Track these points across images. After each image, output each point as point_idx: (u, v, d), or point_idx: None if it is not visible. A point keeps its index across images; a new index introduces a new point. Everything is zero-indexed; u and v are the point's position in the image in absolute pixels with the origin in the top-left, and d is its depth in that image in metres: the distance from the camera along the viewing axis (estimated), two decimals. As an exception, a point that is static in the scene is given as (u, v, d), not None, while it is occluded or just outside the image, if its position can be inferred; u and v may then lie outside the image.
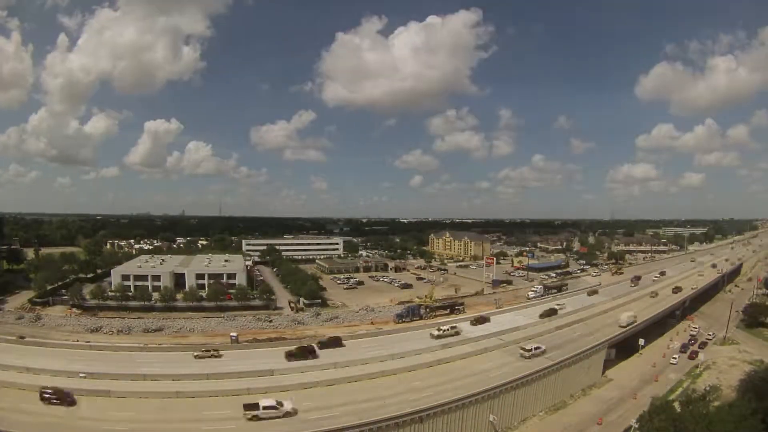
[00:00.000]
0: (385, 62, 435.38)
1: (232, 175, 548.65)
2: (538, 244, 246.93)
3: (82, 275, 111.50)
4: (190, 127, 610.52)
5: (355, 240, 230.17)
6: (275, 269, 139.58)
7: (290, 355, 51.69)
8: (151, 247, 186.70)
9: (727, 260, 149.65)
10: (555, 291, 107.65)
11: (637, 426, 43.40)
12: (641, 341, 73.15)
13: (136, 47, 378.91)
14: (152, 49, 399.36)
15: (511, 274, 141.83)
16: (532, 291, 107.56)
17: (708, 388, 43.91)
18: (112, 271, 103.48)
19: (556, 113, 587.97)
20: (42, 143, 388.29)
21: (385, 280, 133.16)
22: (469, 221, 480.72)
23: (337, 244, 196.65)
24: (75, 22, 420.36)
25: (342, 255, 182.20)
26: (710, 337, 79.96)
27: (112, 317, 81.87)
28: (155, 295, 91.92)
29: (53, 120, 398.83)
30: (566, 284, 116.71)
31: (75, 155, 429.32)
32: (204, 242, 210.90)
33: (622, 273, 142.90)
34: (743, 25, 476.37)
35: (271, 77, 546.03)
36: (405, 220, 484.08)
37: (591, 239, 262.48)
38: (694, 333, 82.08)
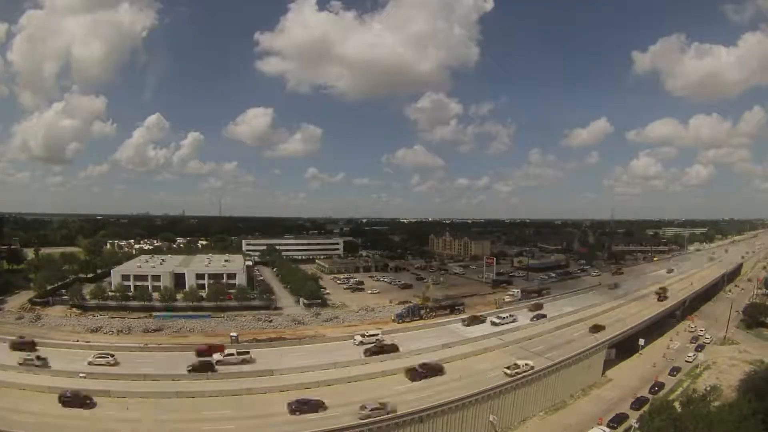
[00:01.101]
0: (374, 46, 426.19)
1: (230, 174, 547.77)
2: (538, 244, 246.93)
3: (82, 275, 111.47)
4: (183, 125, 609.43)
5: (355, 240, 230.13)
6: (275, 269, 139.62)
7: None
8: (151, 247, 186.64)
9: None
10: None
11: (637, 426, 43.48)
12: (641, 341, 73.23)
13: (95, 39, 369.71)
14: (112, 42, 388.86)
15: (510, 274, 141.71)
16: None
17: (708, 388, 43.95)
18: (112, 271, 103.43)
19: (555, 112, 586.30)
20: (34, 142, 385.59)
21: (385, 280, 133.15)
22: (469, 221, 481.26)
23: (338, 244, 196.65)
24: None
25: (342, 255, 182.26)
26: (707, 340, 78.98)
27: (112, 317, 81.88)
28: (155, 295, 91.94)
29: (43, 119, 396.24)
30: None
31: (63, 155, 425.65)
32: (204, 242, 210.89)
33: (622, 273, 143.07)
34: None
35: (264, 69, 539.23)
36: (405, 220, 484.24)
37: (591, 239, 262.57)
38: (701, 334, 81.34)
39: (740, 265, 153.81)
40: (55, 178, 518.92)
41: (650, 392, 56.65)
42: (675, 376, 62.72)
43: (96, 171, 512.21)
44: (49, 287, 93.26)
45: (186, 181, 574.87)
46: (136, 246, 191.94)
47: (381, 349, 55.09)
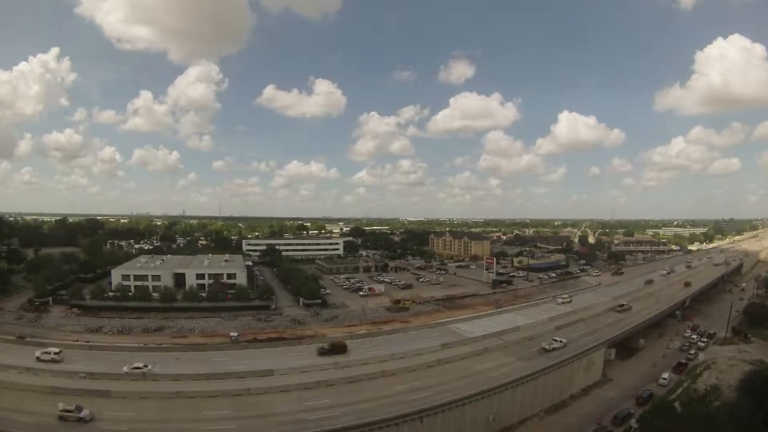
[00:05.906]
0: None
1: (231, 175, 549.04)
2: (538, 244, 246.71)
3: (82, 275, 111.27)
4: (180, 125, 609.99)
5: (355, 240, 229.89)
6: (275, 269, 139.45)
7: None
8: (151, 247, 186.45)
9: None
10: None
11: (637, 426, 43.48)
12: (641, 341, 73.18)
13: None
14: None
15: (510, 274, 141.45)
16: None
17: (708, 388, 43.92)
18: (112, 271, 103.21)
19: (555, 110, 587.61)
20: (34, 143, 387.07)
21: (385, 280, 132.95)
22: (470, 221, 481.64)
23: (338, 244, 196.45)
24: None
25: (342, 255, 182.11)
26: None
27: (112, 317, 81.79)
28: (155, 295, 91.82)
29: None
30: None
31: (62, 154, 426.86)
32: (204, 242, 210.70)
33: (622, 273, 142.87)
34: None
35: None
36: (405, 220, 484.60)
37: (591, 239, 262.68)
38: (695, 339, 78.80)
39: (740, 265, 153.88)
40: (55, 177, 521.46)
41: (650, 392, 56.59)
42: (675, 376, 62.62)
43: (96, 171, 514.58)
44: (48, 287, 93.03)
45: (185, 182, 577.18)
46: (136, 246, 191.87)
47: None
